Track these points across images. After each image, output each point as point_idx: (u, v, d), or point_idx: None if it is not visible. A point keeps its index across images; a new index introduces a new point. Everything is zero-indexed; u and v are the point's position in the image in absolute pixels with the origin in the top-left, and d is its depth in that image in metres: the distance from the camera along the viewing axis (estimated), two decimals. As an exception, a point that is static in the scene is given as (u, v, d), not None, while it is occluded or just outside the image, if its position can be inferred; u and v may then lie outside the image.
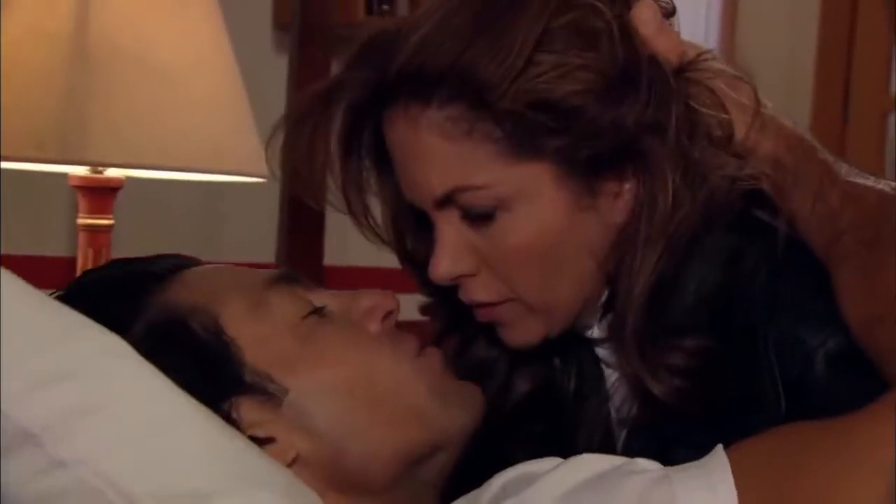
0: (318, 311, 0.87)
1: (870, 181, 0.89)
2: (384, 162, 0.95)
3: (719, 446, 0.75)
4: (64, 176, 1.61)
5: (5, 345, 0.72)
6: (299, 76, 1.96)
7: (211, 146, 1.52)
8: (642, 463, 0.76)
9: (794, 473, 0.72)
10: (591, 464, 0.76)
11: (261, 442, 0.81)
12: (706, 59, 0.92)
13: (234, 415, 0.81)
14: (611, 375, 0.98)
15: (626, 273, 0.89)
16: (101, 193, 1.57)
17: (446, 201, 0.88)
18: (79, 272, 1.51)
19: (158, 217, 2.20)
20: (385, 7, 2.40)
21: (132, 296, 0.86)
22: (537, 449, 0.89)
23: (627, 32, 0.89)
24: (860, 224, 0.86)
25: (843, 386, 0.85)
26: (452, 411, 0.87)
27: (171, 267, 0.89)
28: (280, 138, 0.95)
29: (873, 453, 0.71)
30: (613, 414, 0.98)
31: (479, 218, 0.88)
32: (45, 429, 0.72)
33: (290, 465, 0.81)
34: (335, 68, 1.96)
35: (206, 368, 0.82)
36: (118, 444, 0.73)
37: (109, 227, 1.59)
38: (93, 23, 1.47)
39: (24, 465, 0.72)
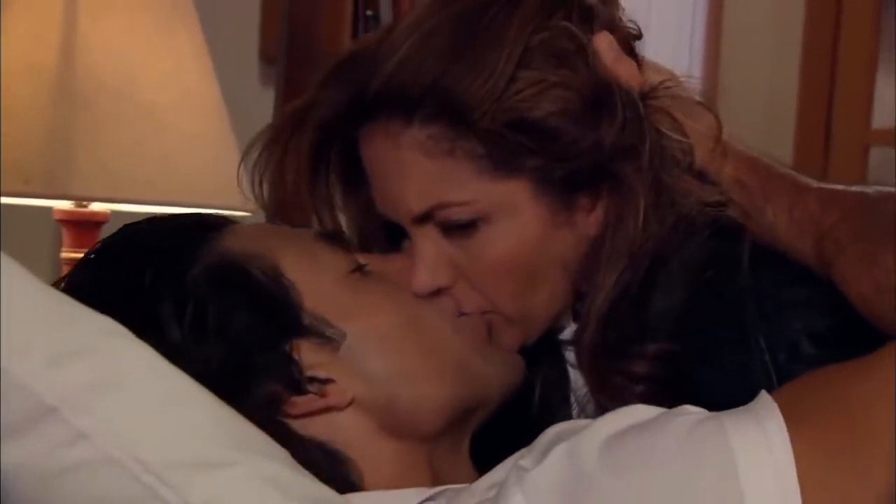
0: (360, 268, 0.90)
1: (841, 186, 0.91)
2: (350, 178, 0.97)
3: (763, 392, 0.77)
4: (48, 209, 1.61)
5: (19, 323, 0.74)
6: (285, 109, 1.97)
7: (196, 180, 1.53)
8: (690, 408, 0.78)
9: (836, 401, 0.75)
10: (641, 410, 0.78)
11: (321, 382, 0.84)
12: (667, 87, 0.94)
13: (295, 356, 0.84)
14: (578, 378, 0.99)
15: (591, 286, 0.91)
16: (85, 227, 1.57)
17: (426, 217, 0.90)
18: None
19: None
20: (371, 41, 2.41)
21: (189, 241, 0.87)
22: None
23: (595, 58, 0.90)
24: (847, 220, 0.87)
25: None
26: (494, 369, 0.91)
27: (221, 219, 0.92)
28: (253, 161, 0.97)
29: None
30: (576, 414, 0.99)
31: (459, 231, 0.90)
32: (64, 402, 0.74)
33: (345, 407, 0.85)
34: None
35: (266, 311, 0.84)
36: (134, 416, 0.75)
37: (94, 260, 1.58)
38: (79, 58, 1.47)
39: (44, 439, 0.74)
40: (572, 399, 1.01)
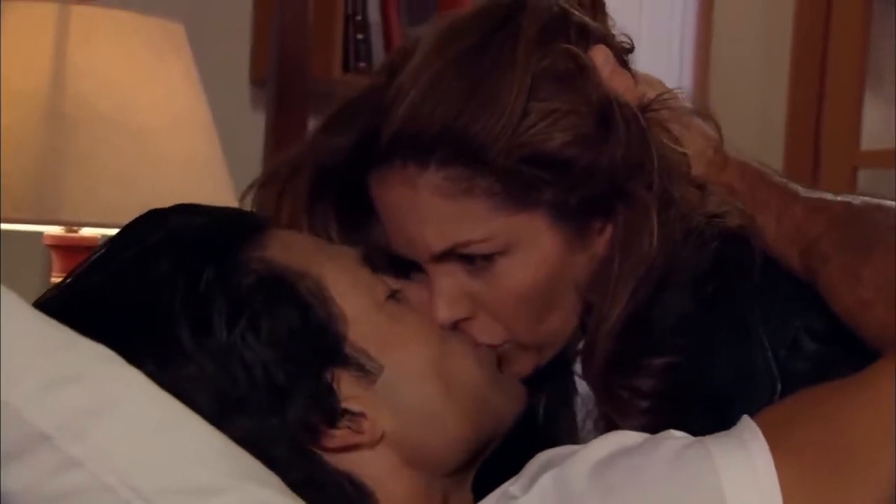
0: (394, 295, 0.90)
1: (829, 195, 0.92)
2: (347, 219, 0.96)
3: (744, 416, 0.78)
4: (39, 234, 1.61)
5: (12, 350, 0.74)
6: (276, 132, 1.97)
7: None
8: (675, 433, 0.79)
9: (820, 422, 0.76)
10: (629, 436, 0.79)
11: (353, 415, 0.83)
12: (664, 99, 0.94)
13: (335, 386, 0.83)
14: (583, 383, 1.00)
15: (601, 303, 0.91)
16: (76, 252, 1.57)
17: (445, 255, 0.90)
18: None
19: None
20: (362, 64, 2.41)
21: (236, 242, 0.86)
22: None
23: (596, 74, 0.91)
24: (832, 230, 0.88)
25: (830, 362, 0.87)
26: (507, 401, 0.92)
27: (259, 218, 0.91)
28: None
29: (885, 392, 0.76)
30: (582, 418, 1.00)
31: (478, 265, 0.91)
32: (59, 429, 0.73)
33: (375, 443, 0.84)
34: (312, 124, 1.98)
35: (315, 334, 0.84)
36: (127, 442, 0.74)
37: (84, 285, 1.58)
38: (69, 84, 1.48)
39: (38, 466, 0.73)
40: (578, 403, 1.01)
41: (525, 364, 0.95)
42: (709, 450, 0.75)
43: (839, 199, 0.91)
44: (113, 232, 1.59)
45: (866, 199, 0.90)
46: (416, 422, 0.86)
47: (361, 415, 0.84)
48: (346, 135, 0.91)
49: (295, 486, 0.79)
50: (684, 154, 0.93)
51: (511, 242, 0.89)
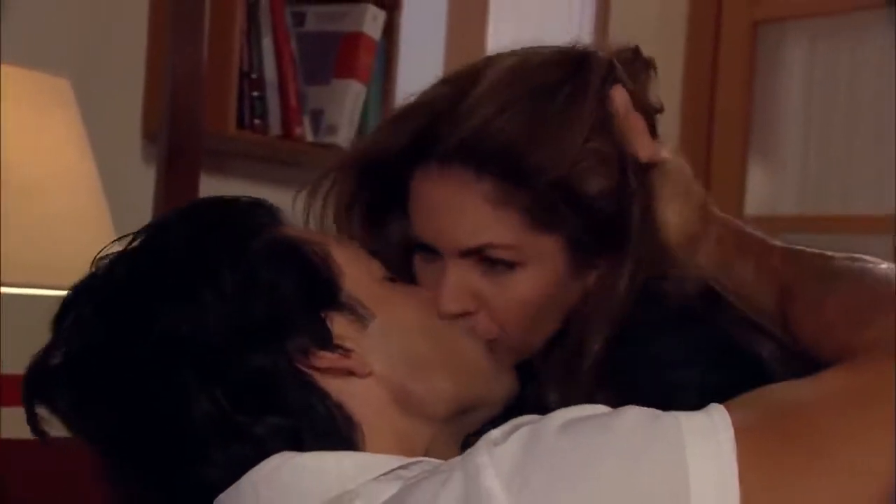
0: (393, 279, 1.03)
1: (806, 248, 1.03)
2: (377, 212, 1.09)
3: (713, 403, 0.83)
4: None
5: None
6: (167, 187, 1.94)
7: (70, 262, 1.49)
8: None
9: (778, 403, 0.82)
10: (600, 407, 0.84)
11: (345, 351, 0.93)
12: (670, 167, 1.06)
13: (329, 325, 0.93)
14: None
15: (577, 329, 1.05)
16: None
17: (470, 252, 1.02)
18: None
19: (37, 330, 2.13)
20: (257, 121, 2.40)
21: (253, 220, 0.98)
22: None
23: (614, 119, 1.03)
24: (801, 274, 1.00)
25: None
26: (501, 376, 1.03)
27: (277, 207, 1.02)
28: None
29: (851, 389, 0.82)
30: None
31: (496, 269, 1.02)
32: None
33: (365, 377, 0.93)
34: (204, 180, 1.96)
35: (312, 282, 0.95)
36: None
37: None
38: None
39: None
40: None
41: (507, 360, 1.05)
42: (677, 418, 0.79)
43: (813, 249, 1.02)
44: (4, 289, 1.57)
45: (847, 255, 1.00)
46: (403, 367, 0.96)
47: (352, 350, 0.93)
48: (403, 133, 1.03)
49: (292, 413, 0.89)
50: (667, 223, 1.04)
51: (530, 256, 1.01)
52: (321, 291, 0.95)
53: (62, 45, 2.17)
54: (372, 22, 2.57)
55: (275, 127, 2.42)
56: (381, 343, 0.95)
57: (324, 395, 0.91)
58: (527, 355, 1.07)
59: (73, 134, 1.60)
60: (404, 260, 1.08)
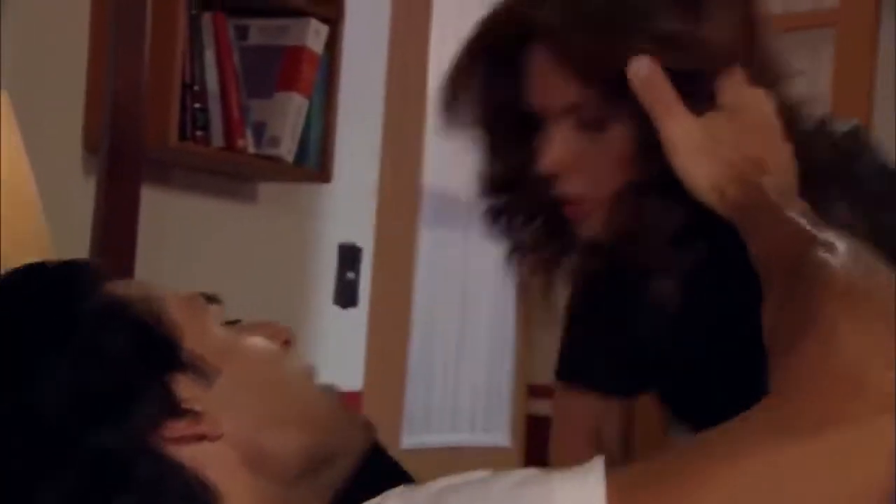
0: (235, 323, 0.99)
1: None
2: (493, 86, 1.19)
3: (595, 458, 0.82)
4: None
5: None
6: (108, 199, 1.94)
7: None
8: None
9: (671, 469, 0.80)
10: (477, 473, 0.83)
11: (195, 415, 0.89)
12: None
13: (174, 388, 0.89)
14: None
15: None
16: None
17: (571, 109, 1.12)
18: None
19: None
20: (199, 133, 2.39)
21: (77, 285, 0.92)
22: None
23: None
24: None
25: None
26: (352, 426, 1.00)
27: (108, 269, 0.96)
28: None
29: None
30: None
31: (593, 127, 1.12)
32: None
33: (216, 439, 0.89)
34: (146, 192, 1.96)
35: (148, 346, 0.90)
36: None
37: None
38: None
39: None
40: None
41: (598, 221, 1.15)
42: (550, 476, 0.79)
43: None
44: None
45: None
46: (252, 422, 0.92)
47: (201, 413, 0.89)
48: (511, 18, 1.15)
49: (146, 491, 0.85)
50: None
51: (619, 116, 1.11)
52: (160, 353, 0.90)
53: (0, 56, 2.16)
54: (314, 36, 2.58)
55: (217, 139, 2.42)
56: (229, 399, 0.91)
57: (178, 468, 0.87)
58: (606, 227, 1.15)
59: (9, 146, 1.59)
60: (510, 127, 1.20)
